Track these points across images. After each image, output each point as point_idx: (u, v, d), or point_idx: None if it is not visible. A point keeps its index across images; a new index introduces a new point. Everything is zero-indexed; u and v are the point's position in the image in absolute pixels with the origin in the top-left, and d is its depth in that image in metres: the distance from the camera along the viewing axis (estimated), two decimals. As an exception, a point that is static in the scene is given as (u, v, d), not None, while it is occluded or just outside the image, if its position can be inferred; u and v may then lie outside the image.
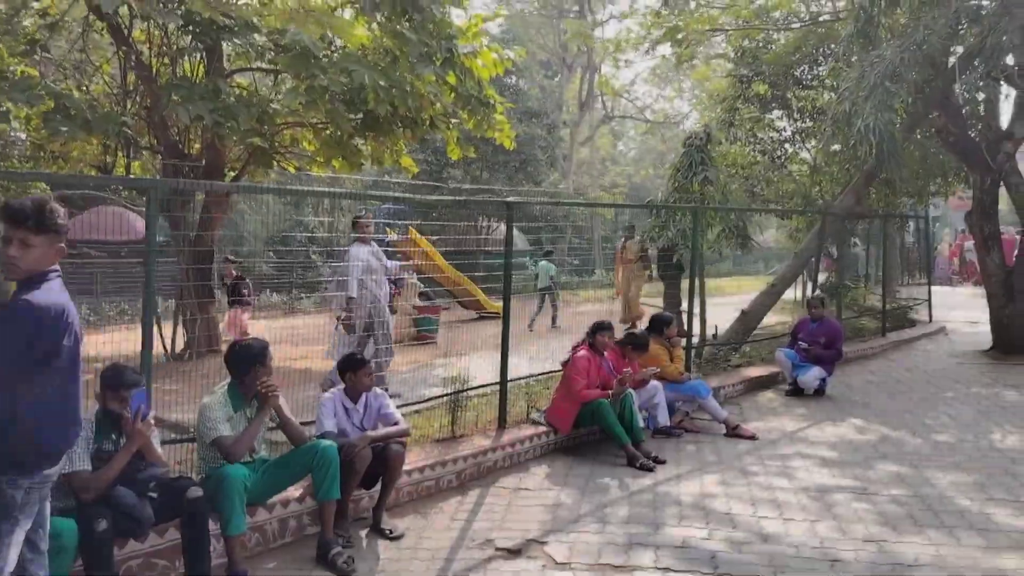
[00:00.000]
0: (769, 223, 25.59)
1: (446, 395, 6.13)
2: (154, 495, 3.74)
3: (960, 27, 9.31)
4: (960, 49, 10.28)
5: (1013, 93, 10.55)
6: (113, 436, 3.74)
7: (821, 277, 14.86)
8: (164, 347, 9.65)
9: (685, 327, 11.25)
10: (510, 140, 11.14)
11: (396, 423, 4.76)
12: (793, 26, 12.60)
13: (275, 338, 9.69)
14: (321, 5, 9.76)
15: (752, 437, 6.70)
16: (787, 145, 14.65)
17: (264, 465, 4.31)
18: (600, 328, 6.48)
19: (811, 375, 8.31)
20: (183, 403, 5.94)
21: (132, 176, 10.22)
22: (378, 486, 4.68)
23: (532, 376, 7.21)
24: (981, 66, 9.33)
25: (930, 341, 12.53)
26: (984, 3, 10.00)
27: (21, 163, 11.75)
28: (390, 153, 11.50)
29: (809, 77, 13.83)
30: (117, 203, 13.85)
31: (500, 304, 17.20)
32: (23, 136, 11.29)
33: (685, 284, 9.74)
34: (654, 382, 6.83)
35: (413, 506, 5.07)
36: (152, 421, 3.75)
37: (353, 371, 4.72)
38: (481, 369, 6.82)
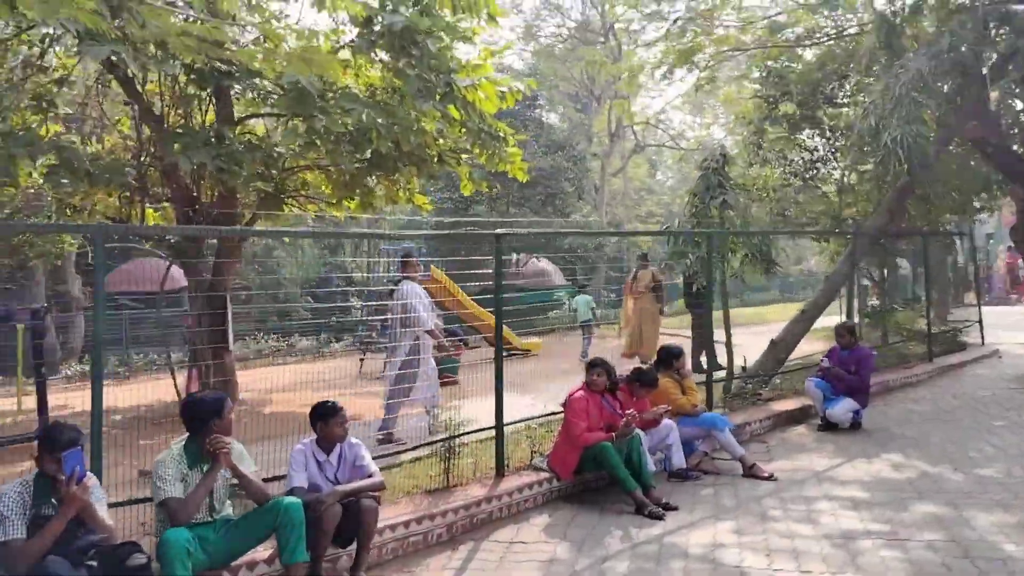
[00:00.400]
0: (812, 248, 24.77)
1: (434, 442, 5.79)
2: (93, 564, 3.49)
3: (989, 31, 8.81)
4: (993, 55, 9.74)
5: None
6: (52, 501, 3.52)
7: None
8: (179, 397, 9.54)
9: (717, 358, 10.82)
10: (523, 173, 10.92)
11: (371, 475, 4.45)
12: (817, 41, 12.15)
13: (295, 383, 9.55)
14: (326, 46, 9.76)
15: (769, 477, 6.21)
16: (819, 165, 14.12)
17: (226, 525, 4.04)
18: (592, 366, 6.11)
19: (841, 408, 7.76)
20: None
21: (90, 223, 10.19)
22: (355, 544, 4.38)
23: (534, 418, 6.82)
24: (1015, 71, 8.79)
25: (981, 365, 11.77)
26: (1016, 7, 9.51)
27: (46, 218, 11.93)
28: (403, 192, 11.39)
29: (839, 94, 13.35)
30: (153, 254, 14.02)
31: (532, 340, 16.91)
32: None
33: (717, 314, 9.35)
34: (667, 421, 6.41)
35: (398, 563, 4.74)
36: (89, 483, 3.51)
37: (324, 420, 4.44)
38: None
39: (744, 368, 9.56)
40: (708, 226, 9.12)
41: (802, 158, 14.23)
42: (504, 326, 16.38)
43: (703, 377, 8.39)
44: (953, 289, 17.71)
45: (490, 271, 6.46)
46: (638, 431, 5.92)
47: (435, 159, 9.90)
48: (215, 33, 5.70)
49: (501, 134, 10.35)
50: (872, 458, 6.80)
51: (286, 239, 21.57)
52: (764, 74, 13.59)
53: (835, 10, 10.69)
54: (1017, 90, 9.45)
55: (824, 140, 13.99)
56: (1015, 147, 10.31)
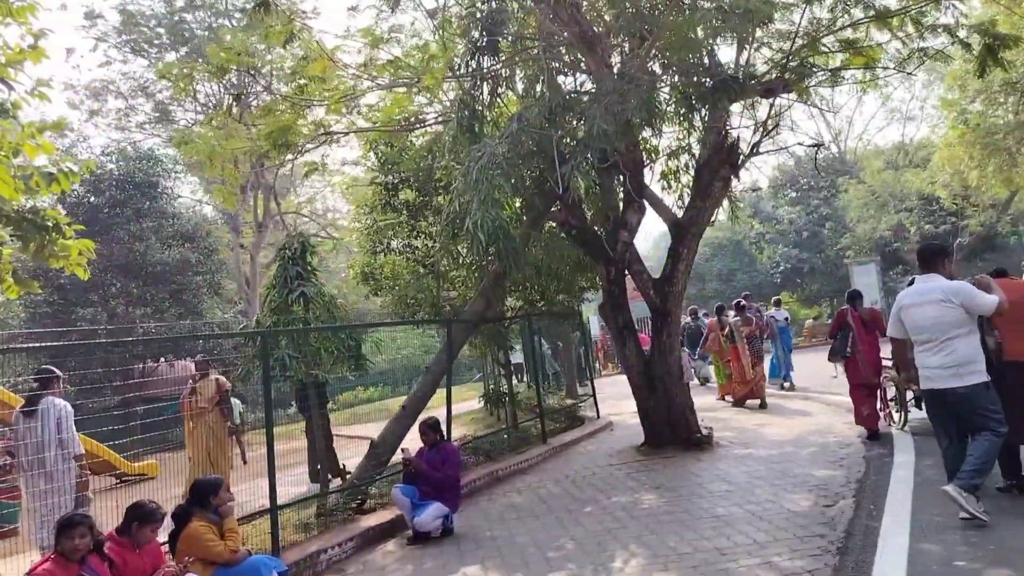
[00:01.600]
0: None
1: None
2: None
3: (556, 117, 9.02)
4: (566, 141, 10.09)
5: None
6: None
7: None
8: None
9: (339, 463, 9.68)
10: (83, 270, 9.10)
11: None
12: (419, 126, 11.99)
13: None
14: None
15: (314, 632, 5.09)
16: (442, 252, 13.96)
17: None
18: (65, 527, 4.56)
19: (428, 515, 6.98)
20: None
21: None
22: None
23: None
24: (579, 156, 9.06)
25: (592, 440, 12.00)
26: (584, 98, 10.01)
27: None
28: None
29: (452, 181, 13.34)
30: None
31: (147, 462, 14.36)
32: None
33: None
34: (189, 576, 5.02)
35: None
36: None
37: None
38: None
39: (344, 477, 8.51)
40: (289, 322, 8.08)
41: (425, 245, 13.98)
42: (105, 447, 13.62)
43: (311, 489, 7.17)
44: (584, 365, 18.60)
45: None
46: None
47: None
48: None
49: (50, 223, 8.54)
50: (449, 576, 6.00)
51: None
52: (380, 160, 13.23)
53: (413, 88, 10.49)
54: (592, 173, 9.80)
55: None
56: (596, 228, 10.78)
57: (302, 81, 10.00)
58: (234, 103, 9.81)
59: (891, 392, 9.83)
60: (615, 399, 15.73)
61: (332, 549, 6.74)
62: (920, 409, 9.70)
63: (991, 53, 9.60)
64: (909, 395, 9.60)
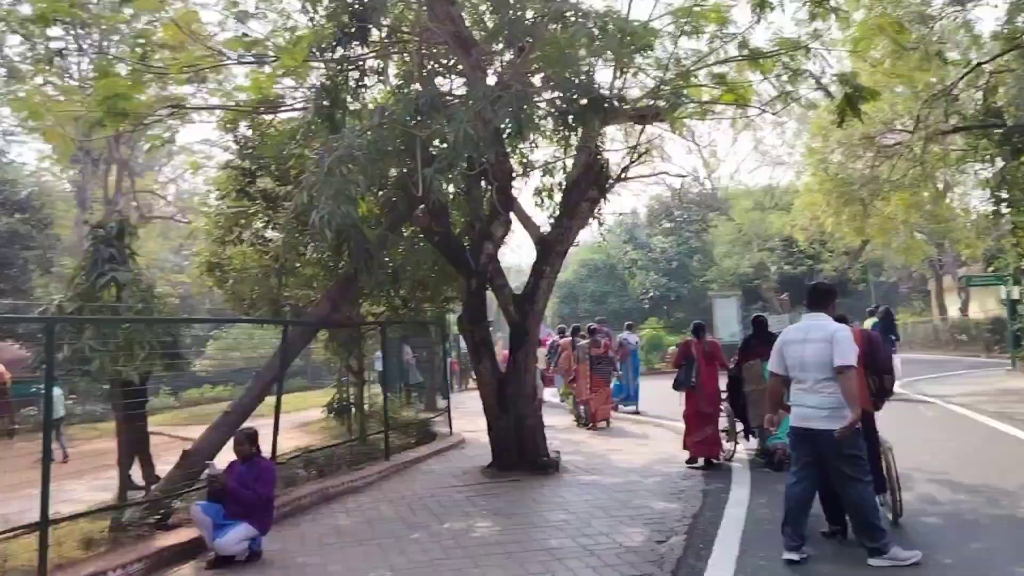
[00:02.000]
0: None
1: None
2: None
3: (420, 114, 8.49)
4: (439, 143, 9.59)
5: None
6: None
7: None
8: None
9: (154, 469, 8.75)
10: None
11: None
12: (285, 108, 11.14)
13: None
14: None
15: None
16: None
17: None
18: None
19: (232, 537, 6.25)
20: None
21: None
22: None
23: None
24: (445, 159, 8.58)
25: (440, 459, 11.45)
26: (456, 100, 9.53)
27: None
28: None
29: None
30: None
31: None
32: None
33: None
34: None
35: None
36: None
37: None
38: None
39: (147, 489, 7.62)
40: (96, 309, 7.15)
41: (281, 238, 13.05)
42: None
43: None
44: (447, 378, 18.06)
45: None
46: None
47: None
48: None
49: None
50: (241, 611, 5.32)
51: None
52: (238, 143, 12.28)
53: (275, 69, 9.68)
54: (459, 178, 9.31)
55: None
56: (465, 238, 10.32)
57: (143, 43, 9.00)
58: (55, 58, 8.69)
59: (723, 423, 9.97)
60: (477, 415, 15.28)
61: (114, 572, 5.88)
62: (748, 440, 9.95)
63: (850, 103, 9.86)
64: (739, 427, 9.81)
